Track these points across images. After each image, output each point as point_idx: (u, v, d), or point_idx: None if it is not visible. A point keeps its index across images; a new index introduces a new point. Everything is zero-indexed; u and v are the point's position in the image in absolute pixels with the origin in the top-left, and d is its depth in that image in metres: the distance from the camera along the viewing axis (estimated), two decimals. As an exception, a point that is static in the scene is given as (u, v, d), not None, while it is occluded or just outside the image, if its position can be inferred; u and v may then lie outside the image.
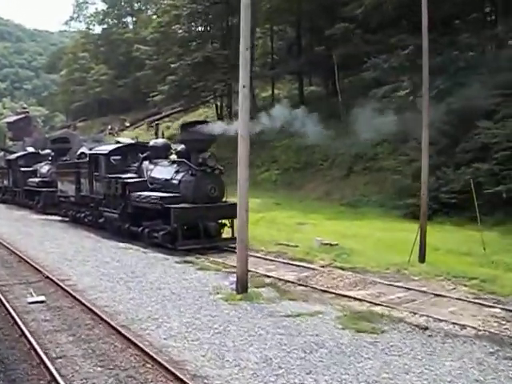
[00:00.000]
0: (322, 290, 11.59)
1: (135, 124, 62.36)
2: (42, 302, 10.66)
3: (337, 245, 16.09)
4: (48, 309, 10.33)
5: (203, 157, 16.59)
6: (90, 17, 78.23)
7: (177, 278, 12.69)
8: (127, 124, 62.56)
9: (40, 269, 13.42)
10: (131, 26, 75.20)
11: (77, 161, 23.46)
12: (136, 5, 75.92)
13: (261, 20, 44.69)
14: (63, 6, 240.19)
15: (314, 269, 13.67)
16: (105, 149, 20.75)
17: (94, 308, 10.06)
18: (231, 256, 15.69)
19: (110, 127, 61.55)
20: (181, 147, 17.78)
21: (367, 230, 19.33)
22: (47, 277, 12.56)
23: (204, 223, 16.24)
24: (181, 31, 40.18)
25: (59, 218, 25.44)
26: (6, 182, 34.68)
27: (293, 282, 12.46)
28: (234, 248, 16.62)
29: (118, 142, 21.89)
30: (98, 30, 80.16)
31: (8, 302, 10.55)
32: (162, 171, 18.12)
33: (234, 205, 16.52)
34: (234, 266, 13.66)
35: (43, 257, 15.47)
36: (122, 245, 17.56)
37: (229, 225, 16.95)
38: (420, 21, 13.95)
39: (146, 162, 19.13)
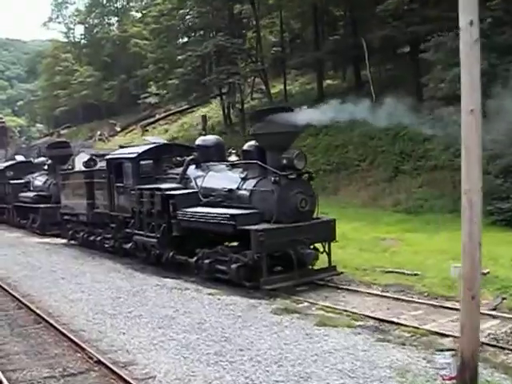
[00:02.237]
0: None
1: (127, 128, 57.13)
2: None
3: (488, 273, 11.34)
4: None
5: (288, 157, 11.75)
6: (70, 16, 72.63)
7: (302, 350, 7.80)
8: (118, 129, 57.30)
9: (78, 341, 8.30)
10: (115, 26, 69.96)
11: (88, 169, 18.45)
12: (119, 3, 70.69)
13: (264, 10, 40.15)
14: (36, 14, 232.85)
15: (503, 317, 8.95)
16: (130, 151, 15.78)
17: None
18: (338, 296, 10.97)
19: (99, 133, 56.20)
20: (248, 145, 12.90)
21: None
22: (98, 361, 7.47)
23: (297, 250, 11.40)
24: (189, 17, 35.10)
25: (64, 241, 20.36)
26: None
27: (496, 346, 7.70)
28: (329, 281, 12.00)
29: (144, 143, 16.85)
30: (79, 30, 74.92)
31: None
32: (221, 178, 13.24)
33: (331, 222, 11.96)
34: (370, 317, 9.37)
35: (69, 310, 10.43)
36: (169, 282, 12.61)
37: (321, 250, 12.15)
38: None
39: (192, 168, 14.22)
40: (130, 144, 39.75)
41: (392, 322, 9.17)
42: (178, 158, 15.26)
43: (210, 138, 14.30)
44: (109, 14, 69.35)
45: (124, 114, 62.47)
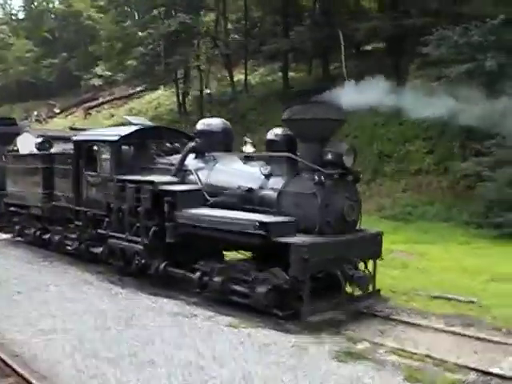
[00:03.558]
0: None
1: (67, 111, 52.61)
2: None
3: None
4: None
5: (335, 151, 9.15)
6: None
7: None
8: (57, 110, 52.69)
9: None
10: (57, 1, 64.87)
11: (46, 152, 15.13)
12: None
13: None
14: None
15: None
16: (109, 133, 12.69)
17: None
18: (395, 330, 8.63)
19: (35, 113, 51.47)
20: (273, 133, 10.19)
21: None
22: None
23: (345, 271, 8.82)
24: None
25: (5, 236, 16.93)
26: None
27: None
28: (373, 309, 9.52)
29: (123, 125, 13.63)
30: (16, 1, 69.17)
31: None
32: (234, 174, 10.46)
33: (378, 236, 9.50)
34: (467, 367, 7.14)
35: (44, 350, 7.35)
36: (166, 304, 9.74)
37: (364, 269, 9.64)
38: None
39: (191, 158, 11.37)
40: (75, 126, 36.15)
41: (498, 376, 6.87)
42: (168, 145, 12.40)
43: (216, 122, 11.42)
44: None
45: (63, 96, 57.60)
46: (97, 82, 50.52)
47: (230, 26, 39.27)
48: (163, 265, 10.75)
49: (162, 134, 12.45)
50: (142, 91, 48.21)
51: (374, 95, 8.50)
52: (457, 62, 19.97)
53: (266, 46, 33.97)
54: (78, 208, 13.09)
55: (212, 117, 11.52)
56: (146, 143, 12.28)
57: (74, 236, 13.37)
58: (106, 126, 31.38)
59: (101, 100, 51.09)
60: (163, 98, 44.27)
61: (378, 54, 35.13)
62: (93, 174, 12.52)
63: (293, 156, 9.53)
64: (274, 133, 10.11)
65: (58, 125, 46.43)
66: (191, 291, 10.34)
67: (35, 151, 16.03)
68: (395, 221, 21.17)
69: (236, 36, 39.44)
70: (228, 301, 9.53)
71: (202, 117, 33.78)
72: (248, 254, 10.49)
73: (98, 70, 49.57)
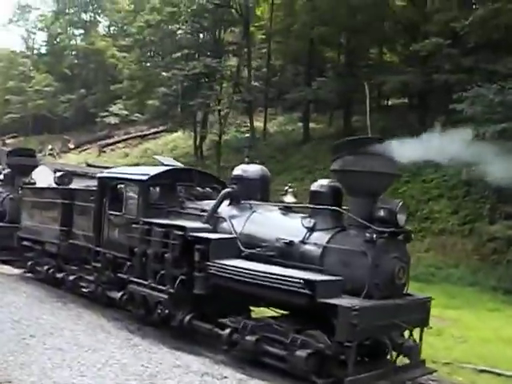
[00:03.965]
0: None
1: (80, 147, 52.52)
2: None
3: None
4: None
5: (388, 207, 8.49)
6: (32, 21, 67.77)
7: None
8: (71, 146, 52.59)
9: None
10: (80, 37, 65.74)
11: (67, 187, 14.56)
12: (85, 16, 66.65)
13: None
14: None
15: None
16: (138, 172, 12.09)
17: None
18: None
19: (50, 147, 51.34)
20: (318, 184, 9.56)
21: None
22: None
23: (393, 339, 8.05)
24: (181, 32, 31.64)
25: (17, 271, 16.18)
26: None
27: None
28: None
29: (156, 165, 13.01)
30: (40, 37, 70.14)
31: None
32: (273, 225, 9.79)
33: (428, 302, 8.75)
34: None
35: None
36: (192, 362, 8.89)
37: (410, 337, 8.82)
38: None
39: (225, 204, 10.73)
40: (92, 163, 35.73)
41: None
42: (199, 189, 11.78)
43: (255, 169, 10.82)
44: (75, 24, 65.09)
45: (78, 131, 57.83)
46: (113, 120, 50.50)
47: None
48: (189, 317, 9.97)
49: (192, 177, 11.84)
50: (157, 132, 48.15)
51: (435, 149, 7.88)
52: (490, 121, 19.58)
53: (290, 95, 33.83)
54: (97, 248, 12.38)
55: (249, 163, 10.87)
56: (175, 186, 11.66)
57: (90, 278, 12.62)
58: (121, 165, 30.93)
59: (116, 138, 51.02)
60: (180, 140, 44.09)
61: (400, 108, 35.01)
62: (117, 214, 11.86)
63: (341, 210, 8.88)
64: (320, 184, 9.49)
65: (72, 160, 46.19)
66: (218, 348, 9.55)
67: (53, 185, 15.50)
68: (417, 281, 20.14)
69: (257, 83, 39.44)
70: (260, 362, 8.72)
71: (219, 162, 33.73)
72: (278, 311, 9.74)
73: (115, 108, 49.63)
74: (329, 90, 31.25)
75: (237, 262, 9.28)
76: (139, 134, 49.19)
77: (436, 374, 9.23)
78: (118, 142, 50.09)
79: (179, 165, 12.66)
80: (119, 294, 11.60)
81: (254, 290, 8.75)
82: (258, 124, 39.70)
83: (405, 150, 8.17)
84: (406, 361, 8.56)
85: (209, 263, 9.48)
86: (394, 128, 28.79)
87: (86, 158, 45.70)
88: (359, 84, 30.17)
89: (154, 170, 11.73)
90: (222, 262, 9.40)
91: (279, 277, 8.32)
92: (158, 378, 8.00)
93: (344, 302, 7.84)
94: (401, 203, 8.54)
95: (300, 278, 8.09)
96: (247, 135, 35.06)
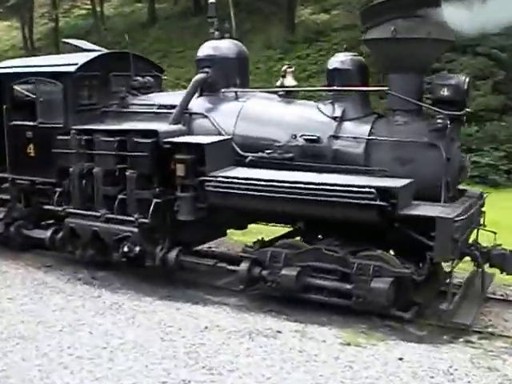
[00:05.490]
0: None
1: None
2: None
3: None
4: None
5: (453, 83, 6.43)
6: None
7: None
8: None
9: None
10: None
11: None
12: None
13: None
14: None
15: None
16: (52, 62, 8.61)
17: None
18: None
19: None
20: (338, 60, 7.18)
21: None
22: None
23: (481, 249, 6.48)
24: None
25: None
26: None
27: None
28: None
29: (76, 46, 9.22)
30: None
31: None
32: (282, 120, 7.30)
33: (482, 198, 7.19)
34: None
35: None
36: (215, 315, 6.57)
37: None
38: None
39: (195, 97, 7.92)
40: None
41: None
42: (139, 79, 8.76)
43: (229, 45, 7.99)
44: None
45: None
46: None
47: None
48: (175, 252, 7.45)
49: (127, 64, 8.69)
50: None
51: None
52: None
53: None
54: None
55: (220, 38, 8.02)
56: (108, 77, 8.52)
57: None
58: None
59: None
60: (0, 32, 37.32)
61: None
62: (28, 124, 8.50)
63: (390, 91, 6.72)
64: (340, 59, 7.13)
65: None
66: (224, 289, 7.35)
67: None
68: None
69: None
70: (302, 301, 6.69)
71: (59, 53, 28.82)
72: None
73: None
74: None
75: (251, 172, 6.84)
76: None
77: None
78: None
79: (99, 48, 9.30)
80: (48, 233, 8.56)
81: (284, 206, 6.45)
82: (89, 6, 34.58)
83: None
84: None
85: (208, 177, 6.90)
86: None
87: None
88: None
89: (79, 58, 8.38)
90: (227, 173, 6.89)
91: (338, 187, 6.10)
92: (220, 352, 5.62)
93: (438, 212, 5.92)
94: (467, 78, 6.57)
95: (370, 186, 5.96)
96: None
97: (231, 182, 6.70)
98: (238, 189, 6.62)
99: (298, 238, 7.35)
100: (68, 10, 35.18)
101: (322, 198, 6.15)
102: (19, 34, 33.93)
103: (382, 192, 5.93)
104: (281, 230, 7.98)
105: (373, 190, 5.92)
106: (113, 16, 35.49)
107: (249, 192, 6.55)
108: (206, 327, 6.15)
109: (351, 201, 6.00)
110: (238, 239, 9.50)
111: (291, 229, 7.81)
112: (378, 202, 5.89)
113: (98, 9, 32.68)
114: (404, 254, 6.45)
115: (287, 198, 6.34)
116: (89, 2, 33.97)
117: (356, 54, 7.28)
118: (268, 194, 6.43)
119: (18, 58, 10.96)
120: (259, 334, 6.00)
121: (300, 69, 20.66)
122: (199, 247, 8.49)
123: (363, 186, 6.00)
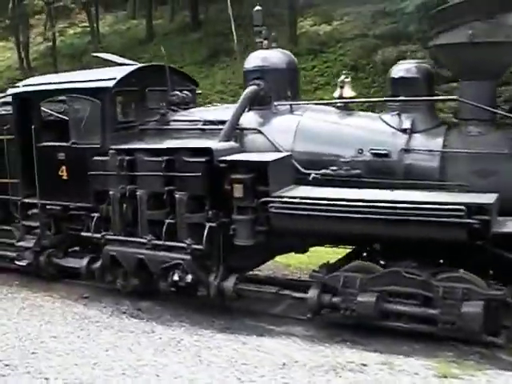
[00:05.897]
0: None
1: None
2: None
3: None
4: None
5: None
6: None
7: None
8: None
9: None
10: None
11: None
12: None
13: None
14: None
15: None
16: (85, 78, 8.04)
17: None
18: None
19: None
20: (403, 68, 6.71)
21: None
22: None
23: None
24: None
25: None
26: None
27: None
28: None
29: (110, 61, 8.64)
30: None
31: None
32: (345, 134, 6.78)
33: None
34: None
35: None
36: (294, 352, 5.98)
37: None
38: None
39: (249, 111, 7.41)
40: None
41: None
42: (178, 93, 8.22)
43: (279, 55, 7.49)
44: None
45: None
46: None
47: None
48: (233, 280, 6.88)
49: (163, 78, 8.16)
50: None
51: None
52: None
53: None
54: (28, 200, 8.38)
55: (268, 48, 7.52)
56: (144, 92, 7.99)
57: (24, 244, 8.59)
58: None
59: None
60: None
61: None
62: (60, 145, 7.92)
63: (465, 100, 6.24)
64: (406, 67, 6.68)
65: None
66: (284, 318, 6.80)
67: None
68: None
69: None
70: (379, 329, 6.15)
71: (56, 69, 28.25)
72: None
73: None
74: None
75: (319, 191, 6.31)
76: None
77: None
78: None
79: (130, 61, 8.75)
80: (85, 262, 7.96)
81: (362, 227, 5.91)
82: (85, 24, 34.12)
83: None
84: None
85: (272, 198, 6.35)
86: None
87: None
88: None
89: (114, 72, 7.84)
90: (293, 193, 6.36)
91: (426, 205, 5.58)
92: None
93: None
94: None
95: (461, 203, 5.46)
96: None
97: (300, 203, 6.15)
98: (308, 210, 6.08)
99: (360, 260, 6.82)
100: (64, 28, 34.69)
101: (408, 218, 5.63)
102: (14, 55, 33.30)
103: (473, 209, 5.43)
104: (328, 250, 7.51)
105: (463, 207, 5.42)
106: (108, 34, 35.04)
107: (321, 213, 6.01)
108: (284, 364, 5.58)
109: (440, 219, 5.49)
110: (280, 261, 8.97)
111: (349, 250, 7.28)
112: (469, 220, 5.39)
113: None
114: (483, 274, 5.97)
115: (368, 219, 5.81)
116: (85, 20, 33.61)
117: (421, 61, 6.83)
118: (344, 215, 5.89)
119: (44, 75, 10.30)
120: (344, 369, 5.45)
121: (306, 81, 20.29)
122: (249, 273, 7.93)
123: (452, 203, 5.50)
